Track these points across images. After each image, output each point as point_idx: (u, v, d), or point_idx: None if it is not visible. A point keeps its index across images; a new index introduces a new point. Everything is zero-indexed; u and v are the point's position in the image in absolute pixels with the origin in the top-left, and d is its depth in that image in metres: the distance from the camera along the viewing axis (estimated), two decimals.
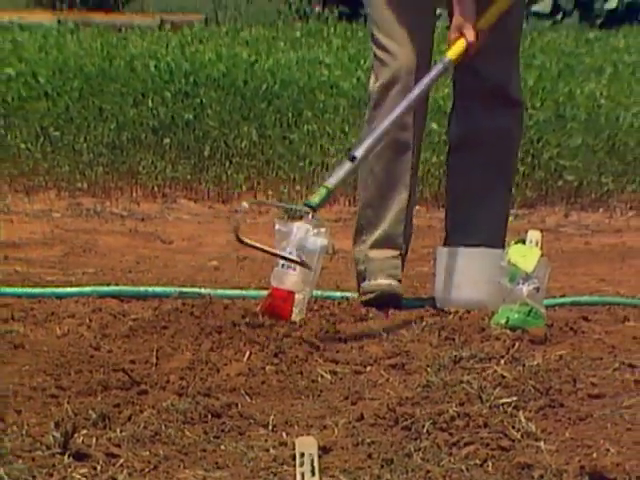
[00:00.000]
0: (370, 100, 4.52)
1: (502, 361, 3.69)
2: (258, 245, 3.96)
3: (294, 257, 3.99)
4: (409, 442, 3.10)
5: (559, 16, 14.13)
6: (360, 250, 4.57)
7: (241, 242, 3.94)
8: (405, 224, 4.56)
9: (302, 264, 3.97)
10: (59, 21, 13.16)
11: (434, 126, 7.28)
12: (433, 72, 4.31)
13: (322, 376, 3.65)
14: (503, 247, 4.44)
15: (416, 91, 4.28)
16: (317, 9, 15.74)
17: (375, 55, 4.50)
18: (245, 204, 4.15)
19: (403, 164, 4.51)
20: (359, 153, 4.10)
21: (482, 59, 4.43)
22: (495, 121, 4.54)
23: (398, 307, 4.38)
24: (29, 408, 3.30)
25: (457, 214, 4.67)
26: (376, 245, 4.54)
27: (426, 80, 4.28)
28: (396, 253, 4.54)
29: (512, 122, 4.62)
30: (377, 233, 4.54)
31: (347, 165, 4.08)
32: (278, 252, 3.99)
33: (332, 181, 4.05)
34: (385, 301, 4.37)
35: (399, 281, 4.51)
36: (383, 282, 4.44)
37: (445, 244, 4.63)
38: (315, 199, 4.03)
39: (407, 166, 4.52)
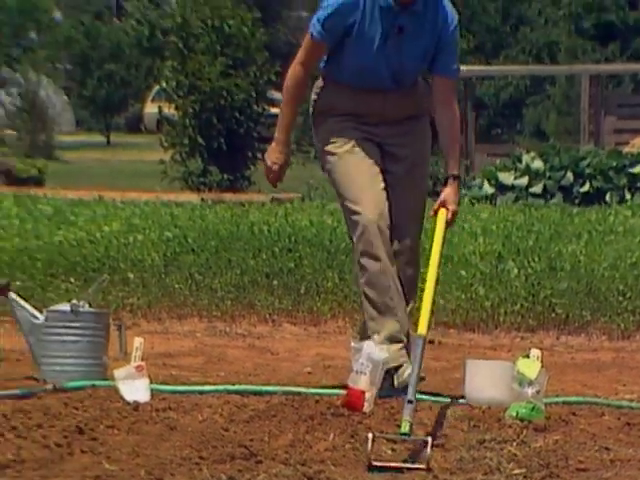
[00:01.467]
0: (354, 248, 4.40)
1: (514, 443, 3.62)
2: (388, 464, 3.41)
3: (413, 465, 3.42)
4: None
5: (548, 196, 14.14)
6: None
7: (375, 467, 3.39)
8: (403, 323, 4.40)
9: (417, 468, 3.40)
10: (202, 199, 13.35)
11: (462, 272, 7.25)
12: (418, 351, 3.86)
13: (385, 452, 3.60)
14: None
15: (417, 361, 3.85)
16: None
17: (349, 218, 4.40)
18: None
19: (388, 284, 4.36)
20: (413, 396, 3.67)
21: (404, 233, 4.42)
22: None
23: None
24: (179, 472, 3.28)
25: None
26: (383, 342, 4.35)
27: (418, 358, 3.83)
28: (401, 345, 4.38)
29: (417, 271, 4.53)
30: (384, 334, 4.36)
31: (409, 407, 3.63)
32: (403, 465, 3.40)
33: (408, 417, 3.59)
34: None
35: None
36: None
37: None
38: (406, 429, 3.56)
39: (391, 284, 4.36)
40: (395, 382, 4.37)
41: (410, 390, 3.70)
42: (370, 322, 4.41)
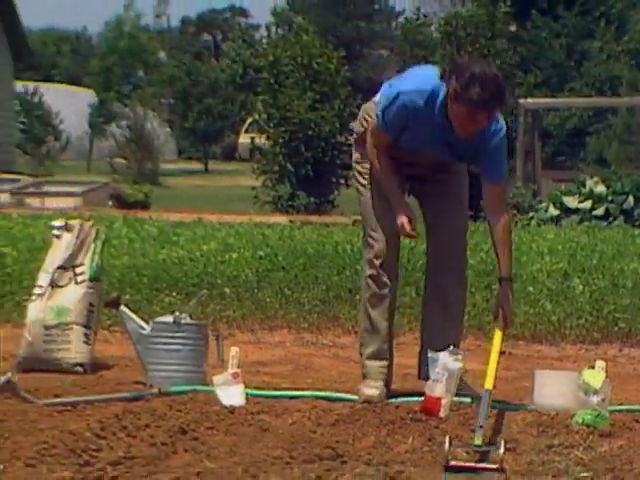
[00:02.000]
0: (365, 267, 4.50)
1: (581, 448, 3.57)
2: (464, 464, 3.39)
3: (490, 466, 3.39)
4: None
5: (610, 218, 13.92)
6: (362, 360, 4.51)
7: (453, 467, 3.36)
8: (389, 344, 4.48)
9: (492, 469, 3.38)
10: (290, 221, 13.36)
11: (530, 289, 7.16)
12: (485, 401, 3.82)
13: (460, 454, 3.56)
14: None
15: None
16: None
17: (366, 239, 4.49)
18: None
19: (383, 308, 4.45)
20: (483, 422, 3.63)
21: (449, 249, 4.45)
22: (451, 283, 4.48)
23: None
24: (272, 470, 3.29)
25: (428, 338, 4.52)
26: (370, 357, 4.47)
27: (485, 406, 3.79)
28: (384, 363, 4.46)
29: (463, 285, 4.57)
30: (370, 350, 4.48)
31: (481, 430, 3.56)
32: (477, 465, 3.40)
33: (480, 435, 3.55)
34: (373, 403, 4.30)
35: (387, 384, 4.44)
36: (369, 392, 4.36)
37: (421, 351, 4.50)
38: (479, 441, 3.53)
39: (386, 308, 4.46)
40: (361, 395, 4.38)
41: (481, 417, 3.66)
42: (363, 333, 4.52)
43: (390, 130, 4.32)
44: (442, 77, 4.18)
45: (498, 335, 4.22)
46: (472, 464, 3.40)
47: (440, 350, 4.26)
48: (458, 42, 18.23)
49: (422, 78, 4.27)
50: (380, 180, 4.43)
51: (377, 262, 4.43)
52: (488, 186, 4.31)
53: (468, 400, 4.33)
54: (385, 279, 4.43)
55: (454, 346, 4.34)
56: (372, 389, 4.40)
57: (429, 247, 4.56)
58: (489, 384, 3.94)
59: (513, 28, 18.95)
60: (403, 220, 4.36)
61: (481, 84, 4.07)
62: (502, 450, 3.37)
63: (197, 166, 35.74)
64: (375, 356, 4.48)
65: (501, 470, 3.32)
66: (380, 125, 4.33)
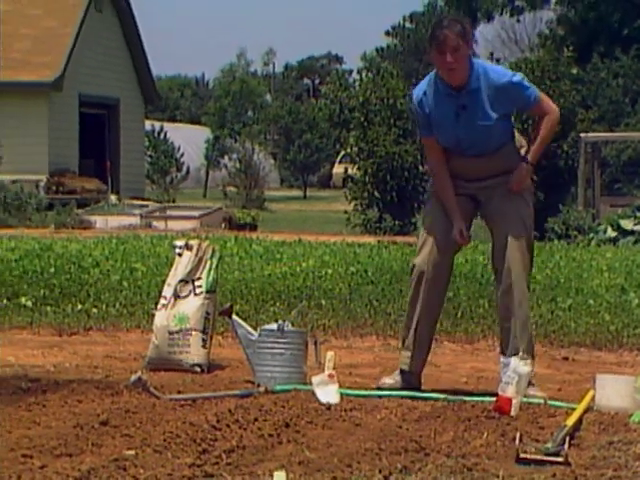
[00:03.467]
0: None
1: (638, 444, 3.47)
2: (533, 457, 3.30)
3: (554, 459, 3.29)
4: None
5: None
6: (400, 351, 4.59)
7: (523, 460, 3.29)
8: (415, 336, 4.49)
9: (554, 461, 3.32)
10: (378, 241, 13.32)
11: (591, 302, 7.01)
12: (563, 431, 3.55)
13: (530, 449, 3.50)
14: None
15: None
16: None
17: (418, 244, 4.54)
18: None
19: (417, 306, 4.45)
20: (557, 440, 3.42)
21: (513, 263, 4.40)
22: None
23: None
24: (364, 460, 3.27)
25: (501, 342, 4.51)
26: (403, 349, 4.56)
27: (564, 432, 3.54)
28: (408, 354, 4.51)
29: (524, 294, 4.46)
30: (405, 343, 4.53)
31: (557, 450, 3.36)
32: (546, 458, 3.29)
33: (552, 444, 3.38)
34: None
35: (416, 372, 4.51)
36: (388, 381, 4.50)
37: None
38: (548, 447, 3.37)
39: (418, 307, 4.44)
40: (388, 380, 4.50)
41: (557, 438, 3.47)
42: (404, 328, 4.57)
43: (426, 129, 4.42)
44: None
45: (590, 394, 4.17)
46: (540, 457, 3.34)
47: (509, 353, 4.24)
48: None
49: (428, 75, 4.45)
50: (439, 192, 4.47)
51: (416, 272, 4.47)
52: (531, 110, 4.47)
53: (536, 401, 4.26)
54: (419, 282, 4.45)
55: (524, 351, 4.29)
56: (389, 379, 4.52)
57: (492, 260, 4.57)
58: (570, 422, 3.74)
59: (575, 71, 18.67)
60: (460, 227, 4.41)
61: (435, 22, 4.36)
62: (567, 446, 3.31)
63: (297, 193, 35.97)
64: (408, 347, 4.55)
65: (567, 463, 3.26)
66: (420, 133, 4.51)
